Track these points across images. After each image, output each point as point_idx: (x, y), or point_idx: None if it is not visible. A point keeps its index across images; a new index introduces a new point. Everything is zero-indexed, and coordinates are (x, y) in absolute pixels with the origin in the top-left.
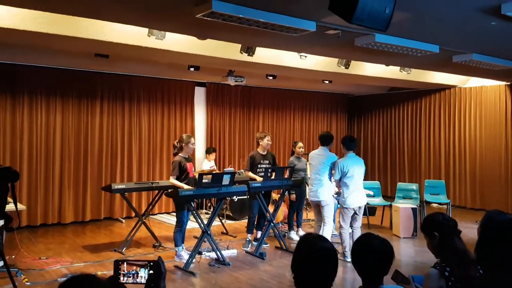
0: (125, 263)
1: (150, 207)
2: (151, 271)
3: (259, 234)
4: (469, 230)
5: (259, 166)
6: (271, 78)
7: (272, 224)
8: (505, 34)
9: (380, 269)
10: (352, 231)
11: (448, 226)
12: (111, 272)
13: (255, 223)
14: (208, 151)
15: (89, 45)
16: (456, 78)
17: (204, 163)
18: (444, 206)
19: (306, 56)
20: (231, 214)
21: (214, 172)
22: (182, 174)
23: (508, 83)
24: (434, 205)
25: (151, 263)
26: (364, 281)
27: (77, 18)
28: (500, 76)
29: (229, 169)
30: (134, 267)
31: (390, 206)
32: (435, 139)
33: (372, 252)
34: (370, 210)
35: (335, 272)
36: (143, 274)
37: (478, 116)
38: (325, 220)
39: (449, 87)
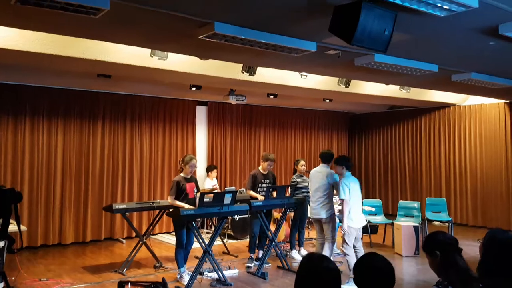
0: (129, 284)
1: (151, 227)
2: None
3: (261, 253)
4: (470, 248)
5: (260, 185)
6: (272, 97)
7: (274, 243)
8: (503, 53)
9: None
10: (356, 251)
11: (450, 244)
12: None
13: (257, 242)
14: (209, 169)
15: (91, 65)
16: (455, 96)
17: (206, 182)
18: (445, 224)
19: (307, 76)
20: (232, 234)
21: (215, 191)
22: (180, 194)
23: (507, 101)
24: (436, 223)
25: (154, 284)
26: None
27: (80, 39)
28: (499, 95)
29: (230, 188)
30: None
31: (392, 224)
32: (435, 156)
33: (375, 272)
34: (372, 228)
35: None
36: None
37: (478, 134)
38: (327, 237)
39: (448, 105)
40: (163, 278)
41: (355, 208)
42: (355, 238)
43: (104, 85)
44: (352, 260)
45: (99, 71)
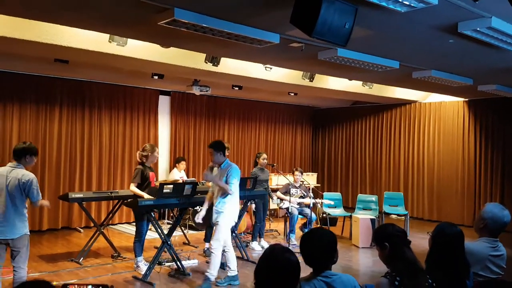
0: (75, 286)
1: (109, 216)
2: None
3: None
4: (424, 241)
5: None
6: (237, 88)
7: (234, 234)
8: (462, 51)
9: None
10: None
11: (398, 236)
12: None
13: None
14: (178, 161)
15: (48, 49)
16: (416, 93)
17: (174, 173)
18: (402, 217)
19: (271, 68)
20: (193, 225)
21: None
22: (143, 182)
23: (466, 100)
24: (393, 216)
25: (100, 287)
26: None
27: (36, 22)
28: (458, 93)
29: (191, 179)
30: None
31: (350, 216)
32: (395, 152)
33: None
34: (331, 221)
35: (296, 284)
36: None
37: (437, 131)
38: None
39: (409, 102)
40: (112, 286)
41: (237, 199)
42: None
43: (62, 71)
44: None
45: (56, 55)
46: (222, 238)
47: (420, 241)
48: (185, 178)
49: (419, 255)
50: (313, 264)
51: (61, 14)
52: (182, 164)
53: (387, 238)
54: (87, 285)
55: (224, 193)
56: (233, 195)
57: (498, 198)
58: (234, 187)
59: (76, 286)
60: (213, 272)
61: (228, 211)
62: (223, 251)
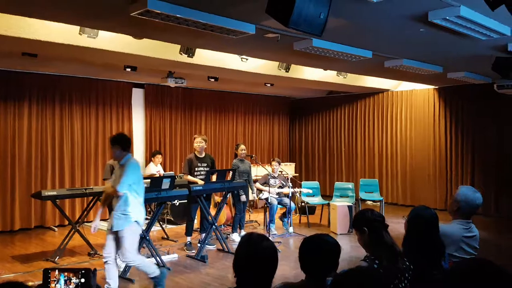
0: (56, 270)
1: (85, 213)
2: (82, 279)
3: (203, 236)
4: (400, 226)
5: (196, 169)
6: (213, 80)
7: (214, 226)
8: (432, 40)
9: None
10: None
11: (377, 221)
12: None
13: (199, 226)
14: (153, 154)
15: (15, 43)
16: (388, 82)
17: (151, 167)
18: (377, 203)
19: (247, 59)
20: (172, 219)
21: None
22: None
23: (436, 87)
24: (369, 202)
25: (83, 271)
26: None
27: (1, 15)
28: (429, 80)
29: (169, 173)
30: (66, 273)
31: (328, 204)
32: (369, 140)
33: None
34: (309, 209)
35: (275, 270)
36: (76, 281)
37: (409, 119)
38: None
39: (382, 91)
40: (94, 269)
41: (141, 199)
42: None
43: (30, 65)
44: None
45: (23, 49)
46: (132, 248)
47: (395, 226)
48: (161, 172)
49: (395, 239)
50: (309, 272)
51: (30, 6)
52: (158, 158)
53: (366, 223)
54: (69, 269)
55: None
56: (135, 197)
57: (469, 182)
58: (126, 186)
59: (57, 270)
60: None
61: (131, 216)
62: (105, 262)
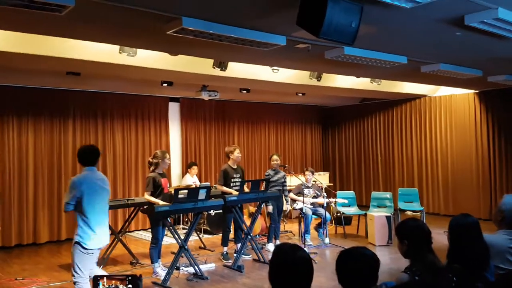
0: (104, 278)
1: (126, 224)
2: (129, 285)
3: (239, 246)
4: (442, 236)
5: (232, 180)
6: (244, 92)
7: (249, 236)
8: (470, 44)
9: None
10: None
11: (418, 236)
12: None
13: (234, 236)
14: (189, 166)
15: (60, 63)
16: (425, 87)
17: (187, 178)
18: (417, 213)
19: (278, 70)
20: (208, 229)
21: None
22: (156, 189)
23: (477, 91)
24: (408, 213)
25: (130, 277)
26: None
27: (47, 37)
28: (468, 85)
29: (205, 183)
30: (114, 282)
31: (365, 215)
32: (407, 148)
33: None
34: (346, 220)
35: (310, 280)
36: None
37: (449, 124)
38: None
39: (419, 96)
40: (140, 275)
41: (98, 218)
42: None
43: (74, 83)
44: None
45: (68, 69)
46: (76, 267)
47: (437, 236)
48: (197, 183)
49: (437, 251)
50: (347, 286)
51: (73, 28)
52: (194, 169)
53: (405, 235)
54: (116, 275)
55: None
56: (82, 218)
57: None
58: (69, 206)
59: (105, 278)
60: None
61: (75, 236)
62: (74, 283)
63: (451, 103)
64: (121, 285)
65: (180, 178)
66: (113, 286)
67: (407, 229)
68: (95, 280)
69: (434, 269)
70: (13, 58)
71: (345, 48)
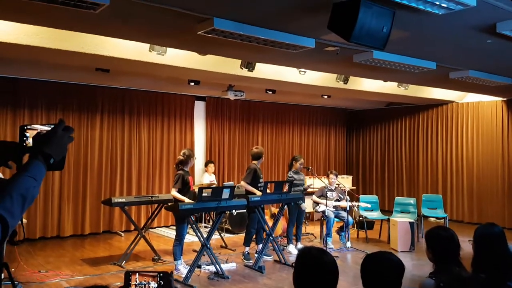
0: (136, 273)
1: (150, 220)
2: (161, 282)
3: (260, 247)
4: (466, 245)
5: (259, 180)
6: (270, 92)
7: (271, 237)
8: (500, 51)
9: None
10: None
11: (448, 248)
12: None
13: (255, 236)
14: (206, 164)
15: (90, 59)
16: (453, 93)
17: (204, 177)
18: (441, 220)
19: (305, 72)
20: (230, 228)
21: (213, 186)
22: (184, 187)
23: (505, 99)
24: (432, 219)
25: (161, 274)
26: None
27: (78, 34)
28: (497, 92)
29: (228, 183)
30: (145, 278)
31: (388, 220)
32: (432, 153)
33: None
34: (368, 224)
35: (335, 285)
36: (154, 285)
37: (475, 131)
38: None
39: (446, 102)
40: (171, 272)
41: None
42: None
43: (103, 79)
44: None
45: (97, 65)
46: None
47: (461, 245)
48: (214, 181)
49: (462, 259)
50: None
51: (106, 26)
52: (211, 167)
53: (435, 245)
54: (148, 272)
55: None
56: None
57: None
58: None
59: (137, 273)
60: None
61: None
62: None
63: (478, 110)
64: (153, 282)
65: (199, 176)
66: (144, 282)
67: (437, 239)
68: (127, 275)
69: (460, 279)
70: (44, 53)
71: (374, 52)
